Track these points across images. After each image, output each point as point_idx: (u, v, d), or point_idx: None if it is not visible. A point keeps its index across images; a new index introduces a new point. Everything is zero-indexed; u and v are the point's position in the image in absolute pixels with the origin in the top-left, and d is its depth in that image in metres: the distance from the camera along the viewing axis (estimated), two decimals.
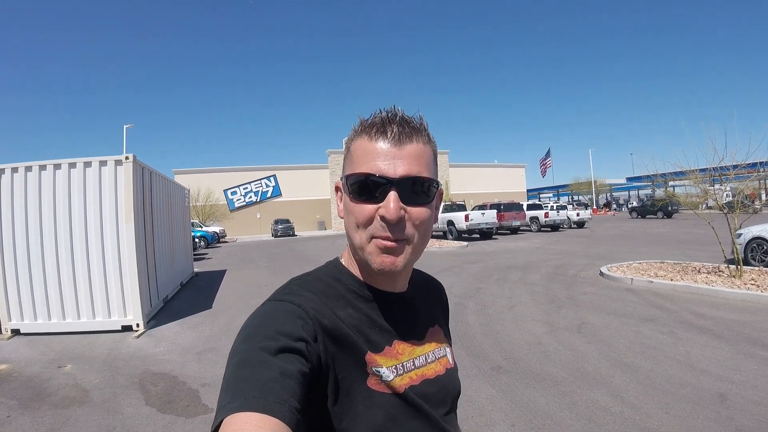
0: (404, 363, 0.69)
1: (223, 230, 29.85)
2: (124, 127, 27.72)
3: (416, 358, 0.72)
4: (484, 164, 47.61)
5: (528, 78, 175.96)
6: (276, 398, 0.49)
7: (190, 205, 12.72)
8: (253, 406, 0.47)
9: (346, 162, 0.69)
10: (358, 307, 0.68)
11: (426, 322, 0.79)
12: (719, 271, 7.54)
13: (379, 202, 0.62)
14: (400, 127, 0.64)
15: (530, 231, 22.88)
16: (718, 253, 7.80)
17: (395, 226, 0.62)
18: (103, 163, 5.91)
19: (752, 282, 6.59)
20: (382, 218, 0.61)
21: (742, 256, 7.78)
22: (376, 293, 0.71)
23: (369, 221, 0.63)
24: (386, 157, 0.62)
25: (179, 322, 6.34)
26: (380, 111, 0.67)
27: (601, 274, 8.40)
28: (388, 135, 0.63)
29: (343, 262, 0.74)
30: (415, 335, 0.74)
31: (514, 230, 22.10)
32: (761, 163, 8.09)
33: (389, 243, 0.62)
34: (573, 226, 24.32)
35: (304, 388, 0.54)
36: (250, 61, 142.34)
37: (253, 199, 38.31)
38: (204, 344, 5.20)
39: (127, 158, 5.90)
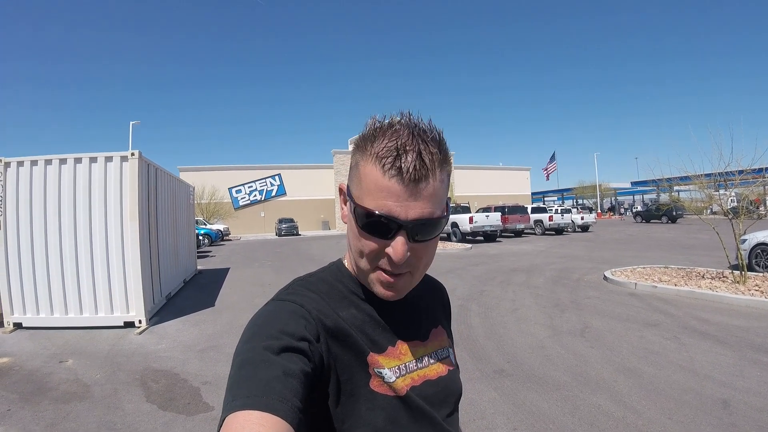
0: (407, 363, 0.69)
1: (227, 228, 29.91)
2: (131, 123, 27.74)
3: (419, 359, 0.71)
4: (488, 167, 47.53)
5: (534, 81, 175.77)
6: (278, 397, 0.49)
7: (195, 202, 12.76)
8: (255, 404, 0.47)
9: (353, 176, 0.63)
10: (361, 308, 0.68)
11: (428, 322, 0.79)
12: (723, 277, 7.50)
13: (387, 239, 0.60)
14: (417, 162, 0.57)
15: (534, 234, 22.80)
16: (723, 258, 7.75)
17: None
18: (108, 159, 5.94)
19: (756, 288, 6.55)
20: (388, 256, 0.61)
21: (747, 261, 7.74)
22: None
23: (375, 256, 0.62)
24: (399, 199, 0.58)
25: (182, 320, 6.36)
26: (396, 127, 0.60)
27: (605, 278, 8.36)
28: (404, 174, 0.57)
29: (346, 264, 0.74)
30: (418, 336, 0.74)
31: (518, 233, 22.02)
32: (766, 168, 8.03)
33: (392, 279, 0.63)
34: (577, 229, 24.28)
35: (306, 387, 0.54)
36: (257, 60, 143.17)
37: (258, 197, 38.41)
38: (206, 342, 5.21)
39: (132, 154, 5.91)
